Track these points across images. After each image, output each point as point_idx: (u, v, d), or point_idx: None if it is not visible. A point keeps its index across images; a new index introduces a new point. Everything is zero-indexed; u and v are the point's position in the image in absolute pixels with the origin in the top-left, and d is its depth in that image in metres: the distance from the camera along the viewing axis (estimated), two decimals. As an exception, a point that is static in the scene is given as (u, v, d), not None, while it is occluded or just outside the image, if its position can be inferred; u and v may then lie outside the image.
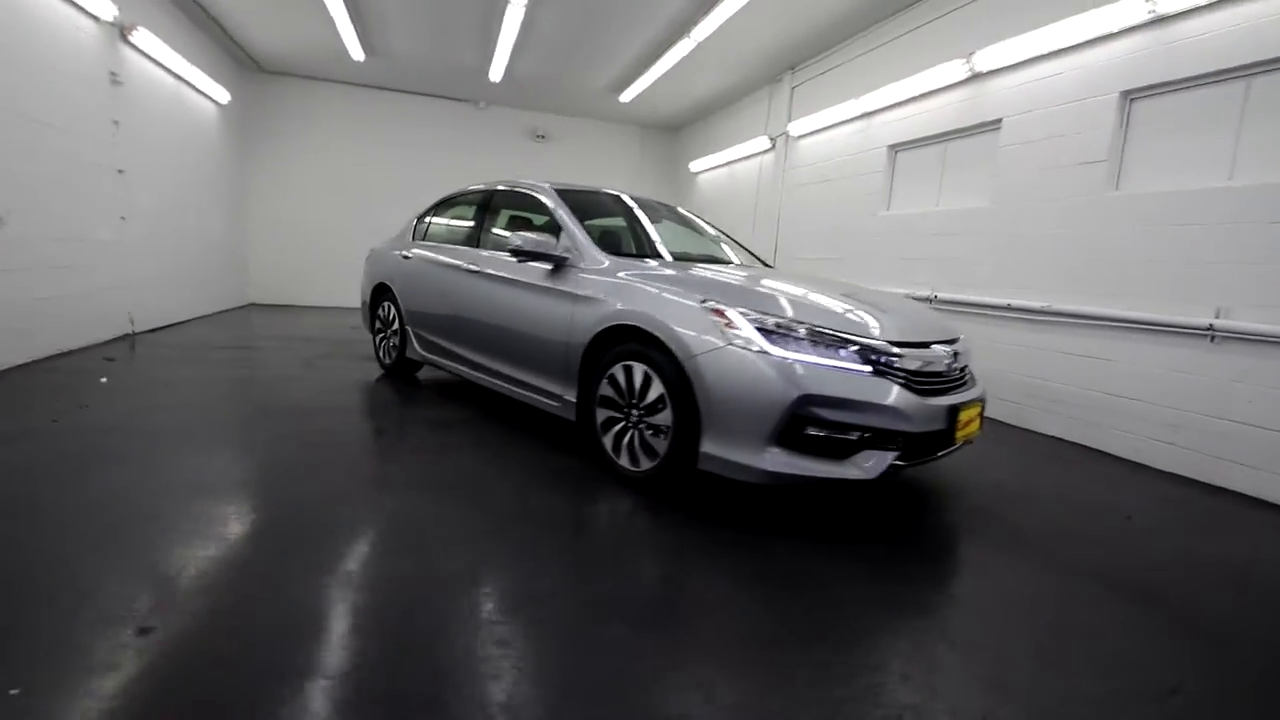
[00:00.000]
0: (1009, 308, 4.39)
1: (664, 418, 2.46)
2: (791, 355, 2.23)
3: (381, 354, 4.74)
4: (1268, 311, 3.10)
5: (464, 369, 3.79)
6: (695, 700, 1.37)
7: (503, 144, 10.01)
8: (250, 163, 8.69)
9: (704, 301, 2.41)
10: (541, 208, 3.54)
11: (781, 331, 2.28)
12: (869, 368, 2.28)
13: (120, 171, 5.21)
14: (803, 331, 2.28)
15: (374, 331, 4.86)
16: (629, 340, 2.65)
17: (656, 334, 2.46)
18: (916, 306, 3.12)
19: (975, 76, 4.75)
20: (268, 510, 2.24)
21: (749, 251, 4.11)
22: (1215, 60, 3.34)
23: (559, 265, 3.11)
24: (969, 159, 4.98)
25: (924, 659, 1.61)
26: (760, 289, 2.59)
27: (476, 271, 3.62)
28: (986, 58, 4.57)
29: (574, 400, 2.93)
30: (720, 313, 2.35)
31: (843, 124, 6.31)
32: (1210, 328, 3.28)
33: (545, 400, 3.13)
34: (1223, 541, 2.63)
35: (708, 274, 2.85)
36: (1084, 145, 3.99)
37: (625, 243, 3.57)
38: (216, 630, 1.50)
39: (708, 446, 2.33)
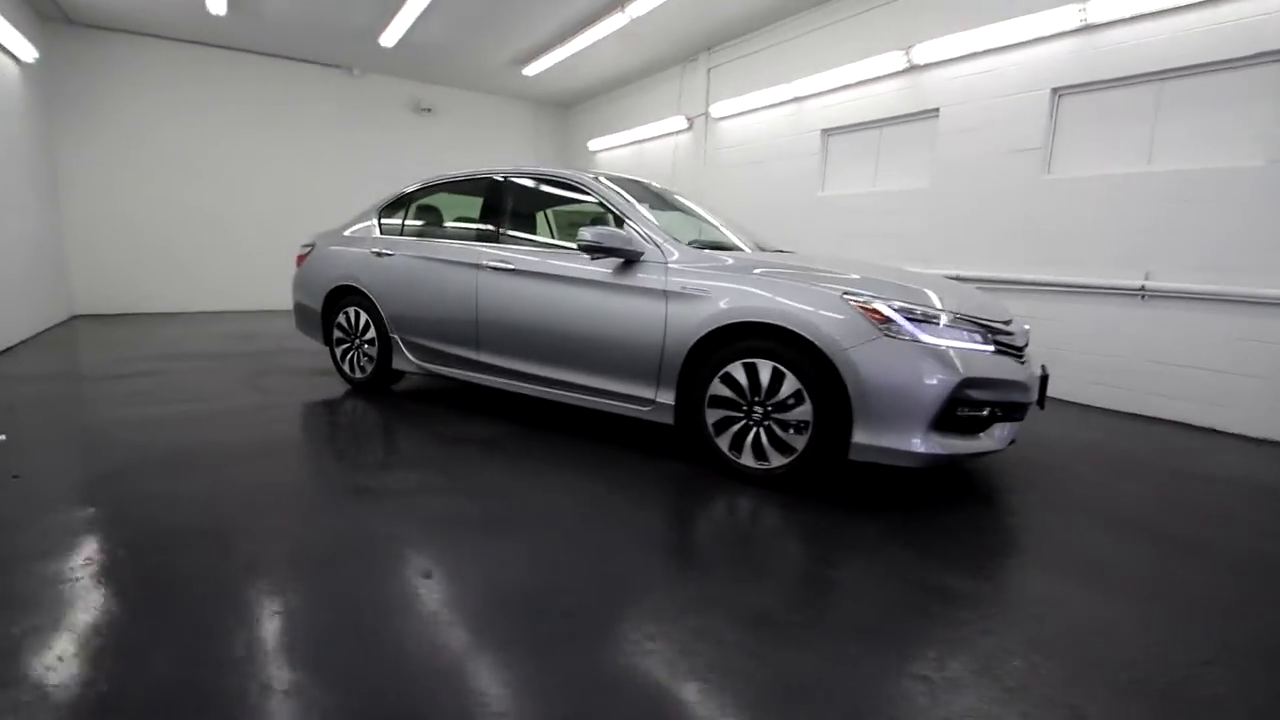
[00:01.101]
0: (958, 279, 4.95)
1: (802, 413, 2.47)
2: (942, 342, 2.35)
3: (349, 367, 4.12)
4: (1186, 272, 3.86)
5: (493, 379, 3.45)
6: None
7: (382, 116, 9.00)
8: (66, 139, 6.93)
9: (845, 294, 2.44)
10: (585, 197, 3.30)
11: (927, 319, 2.39)
12: (991, 347, 2.49)
13: (-74, 154, 3.88)
14: (945, 319, 2.42)
15: (332, 343, 4.21)
16: (746, 337, 2.60)
17: (797, 330, 2.44)
18: (966, 286, 3.39)
19: (913, 68, 5.21)
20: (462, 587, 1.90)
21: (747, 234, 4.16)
22: (1135, 65, 4.01)
23: (630, 261, 2.93)
24: (906, 143, 5.47)
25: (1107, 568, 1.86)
26: (882, 279, 2.63)
27: (510, 270, 3.28)
28: (925, 51, 5.03)
29: (671, 403, 2.82)
30: (866, 305, 2.39)
31: (772, 107, 6.56)
32: (1142, 288, 4.01)
33: (630, 406, 2.96)
34: (1189, 459, 3.28)
35: (822, 265, 2.82)
36: (1019, 134, 4.60)
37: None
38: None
39: (860, 437, 2.39)
